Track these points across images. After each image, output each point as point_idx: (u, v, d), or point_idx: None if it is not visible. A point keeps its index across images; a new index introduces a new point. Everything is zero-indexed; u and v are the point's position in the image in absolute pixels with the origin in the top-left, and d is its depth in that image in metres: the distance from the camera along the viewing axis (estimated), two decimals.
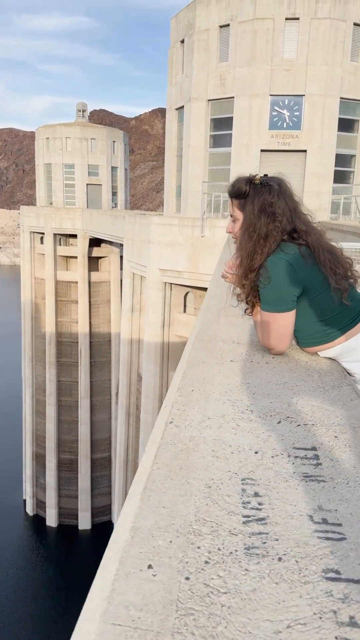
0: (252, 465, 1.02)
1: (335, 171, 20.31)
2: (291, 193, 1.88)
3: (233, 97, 20.01)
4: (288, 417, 1.27)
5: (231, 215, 1.91)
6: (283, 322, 1.75)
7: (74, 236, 37.20)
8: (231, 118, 20.23)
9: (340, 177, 20.65)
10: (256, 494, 0.92)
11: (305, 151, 19.88)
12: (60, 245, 38.08)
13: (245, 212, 1.82)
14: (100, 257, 38.25)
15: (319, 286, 1.71)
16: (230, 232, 1.92)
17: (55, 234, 37.31)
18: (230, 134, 20.33)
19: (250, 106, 19.69)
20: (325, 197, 20.17)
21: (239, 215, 1.85)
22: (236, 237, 1.88)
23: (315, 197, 20.09)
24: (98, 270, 38.49)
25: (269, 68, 19.37)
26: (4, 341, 56.88)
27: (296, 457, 1.07)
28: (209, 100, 20.72)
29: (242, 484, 0.95)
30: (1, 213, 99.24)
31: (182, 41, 21.74)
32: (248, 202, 1.83)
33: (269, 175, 1.92)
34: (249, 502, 0.89)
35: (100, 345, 37.69)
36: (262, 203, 1.81)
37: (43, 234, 37.91)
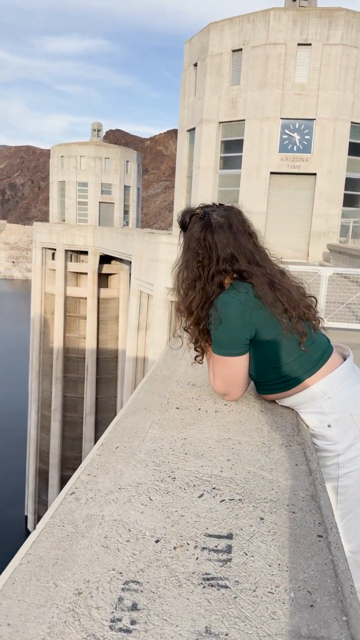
0: (146, 560, 0.83)
1: (345, 195, 20.19)
2: (241, 228, 1.68)
3: (244, 120, 20.11)
4: (214, 488, 1.09)
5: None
6: (235, 367, 1.57)
7: (85, 253, 37.44)
8: (242, 140, 20.31)
9: (350, 200, 20.52)
10: (134, 607, 0.73)
11: (315, 174, 19.82)
12: (71, 261, 38.32)
13: (182, 247, 1.66)
14: (110, 274, 38.38)
15: (273, 329, 1.54)
16: None
17: (66, 250, 37.58)
18: (241, 156, 20.38)
19: (261, 129, 19.76)
20: (334, 220, 20.03)
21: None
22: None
23: (325, 220, 19.96)
24: (107, 287, 38.59)
25: (280, 92, 19.46)
26: (14, 355, 57.07)
27: (204, 548, 0.88)
28: (220, 122, 20.85)
29: (123, 589, 0.77)
30: (15, 228, 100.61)
31: (195, 64, 22.00)
32: (185, 236, 1.67)
33: (226, 205, 1.74)
34: (119, 619, 0.71)
35: (107, 362, 37.55)
36: (196, 238, 1.63)
37: (55, 250, 38.19)
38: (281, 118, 19.63)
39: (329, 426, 1.55)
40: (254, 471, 1.18)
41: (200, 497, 1.05)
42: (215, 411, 1.57)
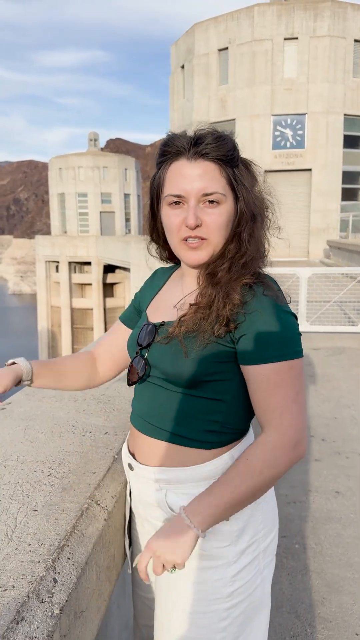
0: None
1: (343, 188, 19.78)
2: None
3: (234, 119, 19.83)
4: None
5: (207, 195, 1.04)
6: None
7: (89, 263, 37.37)
8: None
9: (348, 194, 20.10)
10: None
11: (310, 170, 19.45)
12: (75, 272, 38.28)
13: (246, 189, 1.08)
14: (115, 283, 38.25)
15: None
16: (195, 226, 1.05)
17: (70, 262, 37.55)
18: None
19: (252, 127, 19.46)
20: (333, 215, 19.62)
21: (227, 193, 1.07)
22: (212, 233, 1.06)
23: (323, 216, 19.55)
24: (113, 297, 38.45)
25: (269, 88, 19.16)
26: None
27: None
28: (210, 123, 20.47)
29: None
30: (22, 243, 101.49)
31: (183, 67, 21.80)
32: (244, 174, 1.09)
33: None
34: None
35: None
36: (255, 179, 1.12)
37: (58, 262, 38.18)
38: (272, 115, 19.32)
39: (227, 520, 1.05)
40: None
41: None
42: None
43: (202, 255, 1.08)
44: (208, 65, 20.33)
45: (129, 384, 1.16)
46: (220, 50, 20.01)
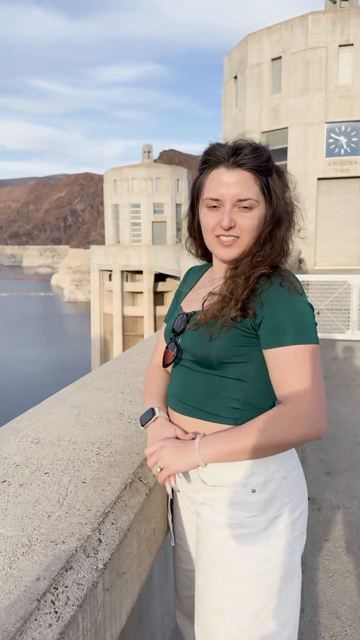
0: None
1: None
2: None
3: (287, 128, 19.73)
4: None
5: (241, 200, 1.16)
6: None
7: (140, 272, 38.04)
8: (286, 148, 19.90)
9: None
10: None
11: None
12: (127, 281, 39.06)
13: (277, 195, 1.20)
14: (165, 292, 38.69)
15: None
16: (228, 227, 1.17)
17: (122, 271, 38.37)
18: (286, 164, 19.95)
19: (305, 135, 19.28)
20: None
21: (260, 199, 1.18)
22: (244, 233, 1.18)
23: None
24: (163, 304, 38.89)
25: (323, 95, 18.95)
26: (77, 375, 58.63)
27: None
28: (262, 132, 20.58)
29: None
30: (77, 253, 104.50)
31: (235, 77, 21.96)
32: (276, 182, 1.21)
33: None
34: None
35: None
36: (286, 185, 1.24)
37: (111, 271, 39.10)
38: (326, 122, 19.07)
39: (254, 491, 1.16)
40: None
41: None
42: None
43: (234, 252, 1.21)
44: (261, 74, 20.37)
45: (164, 366, 1.31)
46: (273, 59, 20.01)
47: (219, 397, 1.19)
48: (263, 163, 1.20)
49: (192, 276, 1.44)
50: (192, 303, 1.31)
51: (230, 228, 1.19)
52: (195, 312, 1.25)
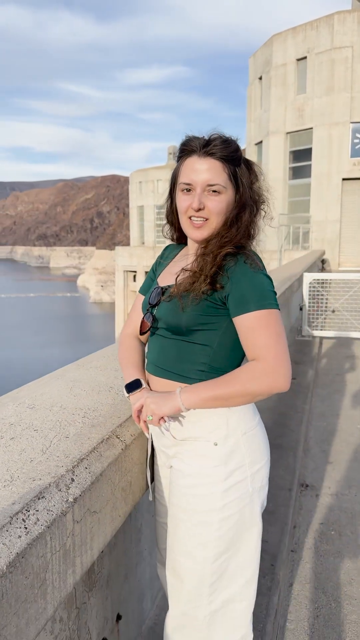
0: None
1: None
2: None
3: (312, 128, 19.67)
4: None
5: (211, 185, 1.30)
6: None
7: None
8: (310, 149, 19.84)
9: None
10: None
11: None
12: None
13: (243, 184, 1.34)
14: None
15: None
16: (198, 209, 1.32)
17: (146, 272, 38.70)
18: (310, 165, 19.89)
19: (330, 135, 19.19)
20: None
21: (227, 185, 1.32)
22: (212, 216, 1.32)
23: None
24: None
25: (348, 95, 18.83)
26: None
27: None
28: (287, 132, 20.56)
29: None
30: (103, 254, 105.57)
31: (260, 78, 21.99)
32: (244, 172, 1.35)
33: None
34: None
35: None
36: (255, 176, 1.38)
37: (135, 272, 39.48)
38: (351, 122, 18.95)
39: (216, 444, 1.31)
40: None
41: None
42: None
43: (204, 233, 1.36)
44: (285, 75, 20.36)
45: (141, 334, 1.46)
46: (298, 59, 19.98)
47: (188, 362, 1.34)
48: (231, 153, 1.34)
49: (169, 252, 1.59)
50: (167, 277, 1.46)
51: (199, 209, 1.33)
52: (169, 286, 1.40)
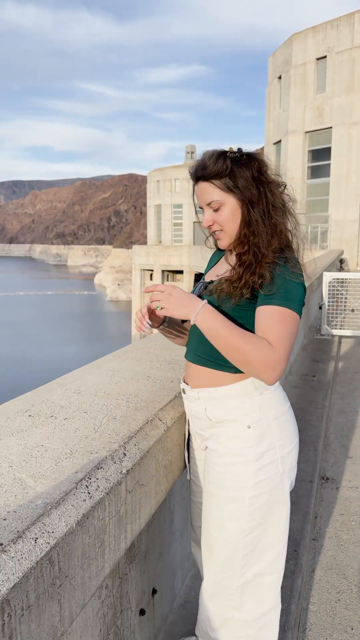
0: None
1: None
2: None
3: (331, 127, 19.59)
4: None
5: (209, 204, 1.44)
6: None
7: (181, 272, 38.44)
8: (329, 148, 19.76)
9: None
10: None
11: None
12: (167, 281, 39.55)
13: (239, 188, 1.42)
14: None
15: None
16: (210, 226, 1.47)
17: (163, 271, 38.88)
18: (329, 164, 19.82)
19: (349, 134, 19.09)
20: None
21: (224, 196, 1.42)
22: (223, 226, 1.45)
23: None
24: None
25: None
26: None
27: None
28: (306, 132, 20.51)
29: None
30: (120, 253, 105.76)
31: (279, 77, 21.95)
32: (238, 176, 1.41)
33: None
34: None
35: None
36: (258, 170, 1.44)
37: (152, 270, 39.69)
38: None
39: (249, 427, 1.41)
40: None
41: None
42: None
43: (224, 242, 1.51)
44: (305, 74, 20.31)
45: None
46: (318, 59, 19.91)
47: None
48: (213, 171, 1.44)
49: (215, 257, 1.75)
50: (211, 276, 1.60)
51: (209, 226, 1.49)
52: (212, 282, 1.53)
